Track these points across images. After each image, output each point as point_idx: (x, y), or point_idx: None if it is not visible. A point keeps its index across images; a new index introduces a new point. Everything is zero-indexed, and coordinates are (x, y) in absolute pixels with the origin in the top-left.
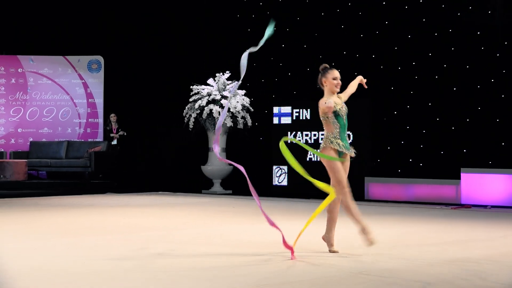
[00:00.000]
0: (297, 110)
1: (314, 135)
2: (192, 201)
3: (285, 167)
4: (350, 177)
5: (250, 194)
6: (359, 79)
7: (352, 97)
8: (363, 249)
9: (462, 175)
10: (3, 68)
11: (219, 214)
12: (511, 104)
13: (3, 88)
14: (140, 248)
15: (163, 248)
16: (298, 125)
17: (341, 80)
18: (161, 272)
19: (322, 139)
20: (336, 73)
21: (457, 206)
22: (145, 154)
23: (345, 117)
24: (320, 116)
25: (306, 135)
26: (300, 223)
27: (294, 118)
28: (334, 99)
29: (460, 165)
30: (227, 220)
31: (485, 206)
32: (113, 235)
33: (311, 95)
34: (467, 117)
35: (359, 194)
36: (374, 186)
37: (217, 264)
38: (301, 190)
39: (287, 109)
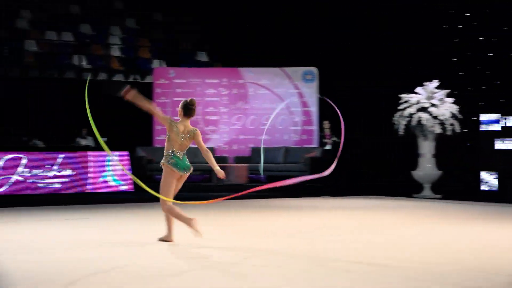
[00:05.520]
0: (506, 117)
1: None
2: (402, 204)
3: (495, 173)
4: None
5: (460, 199)
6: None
7: None
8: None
9: None
10: (226, 80)
11: (427, 218)
12: None
13: (226, 98)
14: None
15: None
16: (507, 133)
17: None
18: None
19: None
20: (195, 102)
21: None
22: (355, 159)
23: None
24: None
25: None
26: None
27: (504, 125)
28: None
29: None
30: (433, 225)
31: None
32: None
33: None
34: None
35: None
36: None
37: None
38: None
39: (495, 116)
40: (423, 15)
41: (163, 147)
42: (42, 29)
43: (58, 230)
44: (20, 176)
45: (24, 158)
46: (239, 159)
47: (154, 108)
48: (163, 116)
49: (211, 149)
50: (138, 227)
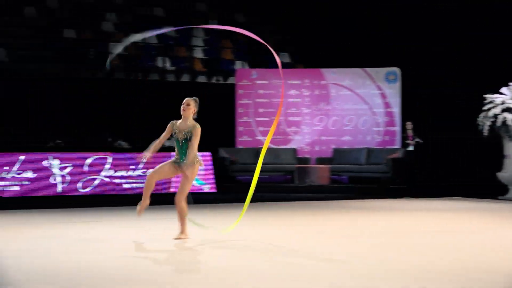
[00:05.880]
0: None
1: None
2: (486, 206)
3: None
4: None
5: None
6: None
7: None
8: None
9: None
10: (308, 81)
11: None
12: None
13: (308, 99)
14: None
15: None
16: None
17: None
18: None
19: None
20: (185, 100)
21: None
22: (439, 160)
23: (182, 141)
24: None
25: None
26: None
27: None
28: (181, 123)
29: None
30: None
31: None
32: (394, 238)
33: None
34: None
35: None
36: None
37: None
38: None
39: None
40: (508, 15)
41: (246, 148)
42: (127, 32)
43: (138, 230)
44: (105, 176)
45: (109, 159)
46: (320, 160)
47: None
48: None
49: (293, 150)
50: (217, 227)
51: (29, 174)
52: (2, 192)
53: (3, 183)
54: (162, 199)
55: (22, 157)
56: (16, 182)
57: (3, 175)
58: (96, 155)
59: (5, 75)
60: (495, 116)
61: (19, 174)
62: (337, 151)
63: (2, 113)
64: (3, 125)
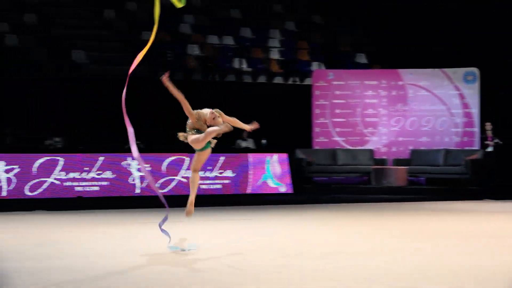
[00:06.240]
0: None
1: None
2: None
3: None
4: None
5: None
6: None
7: None
8: None
9: None
10: (385, 81)
11: None
12: None
13: (385, 100)
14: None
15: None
16: None
17: None
18: None
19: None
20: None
21: None
22: None
23: None
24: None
25: None
26: None
27: None
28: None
29: None
30: None
31: None
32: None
33: None
34: None
35: None
36: None
37: None
38: None
39: None
40: None
41: (322, 149)
42: (204, 33)
43: (215, 231)
44: (182, 177)
45: (187, 160)
46: (398, 162)
47: (184, 100)
48: (191, 111)
49: (370, 151)
50: (291, 229)
51: (108, 174)
52: (82, 192)
53: (83, 183)
54: (239, 200)
55: (101, 158)
56: (95, 183)
57: (83, 175)
58: (174, 156)
59: (85, 77)
60: None
61: (98, 174)
62: (414, 152)
63: (88, 113)
64: (83, 126)
